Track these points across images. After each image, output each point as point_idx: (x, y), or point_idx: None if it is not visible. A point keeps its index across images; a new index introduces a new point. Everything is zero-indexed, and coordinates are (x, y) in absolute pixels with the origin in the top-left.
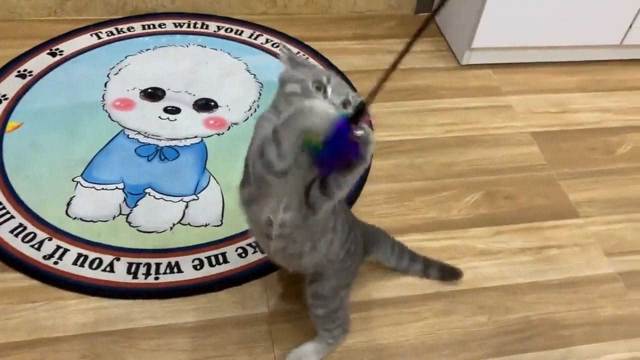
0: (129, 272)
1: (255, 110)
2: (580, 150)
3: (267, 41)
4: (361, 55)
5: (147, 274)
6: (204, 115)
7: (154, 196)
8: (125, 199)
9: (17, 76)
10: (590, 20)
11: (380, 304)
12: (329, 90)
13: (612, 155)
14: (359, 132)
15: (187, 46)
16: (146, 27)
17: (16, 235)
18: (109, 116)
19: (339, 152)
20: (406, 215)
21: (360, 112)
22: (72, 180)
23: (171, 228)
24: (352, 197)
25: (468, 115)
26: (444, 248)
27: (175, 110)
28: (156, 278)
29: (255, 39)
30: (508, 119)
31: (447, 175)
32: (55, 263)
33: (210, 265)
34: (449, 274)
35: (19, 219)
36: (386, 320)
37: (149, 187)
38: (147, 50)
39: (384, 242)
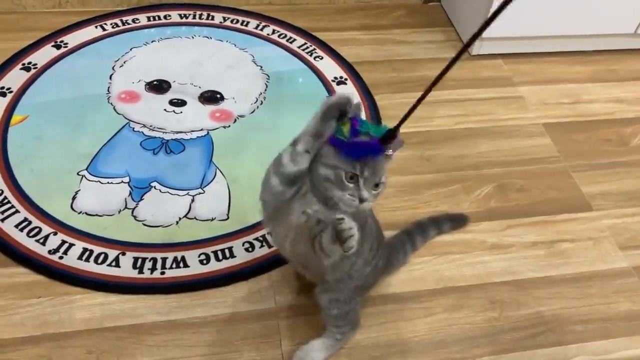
0: (134, 267)
1: (262, 103)
2: (593, 142)
3: (273, 32)
4: (369, 45)
5: (153, 269)
6: (210, 107)
7: (160, 190)
8: (130, 192)
9: (21, 69)
10: (604, 9)
11: (390, 300)
12: (362, 182)
13: (626, 147)
14: (389, 152)
15: (193, 38)
16: (151, 18)
17: (21, 230)
18: (114, 109)
19: (358, 147)
20: (416, 209)
21: (389, 136)
22: (77, 174)
23: (177, 222)
24: None
25: (479, 107)
26: (454, 242)
27: (180, 103)
28: (162, 273)
29: (261, 30)
30: (520, 110)
31: (458, 168)
32: (61, 258)
33: (217, 260)
34: (459, 221)
35: (23, 213)
36: (395, 316)
37: (155, 181)
38: (152, 42)
39: (394, 256)
